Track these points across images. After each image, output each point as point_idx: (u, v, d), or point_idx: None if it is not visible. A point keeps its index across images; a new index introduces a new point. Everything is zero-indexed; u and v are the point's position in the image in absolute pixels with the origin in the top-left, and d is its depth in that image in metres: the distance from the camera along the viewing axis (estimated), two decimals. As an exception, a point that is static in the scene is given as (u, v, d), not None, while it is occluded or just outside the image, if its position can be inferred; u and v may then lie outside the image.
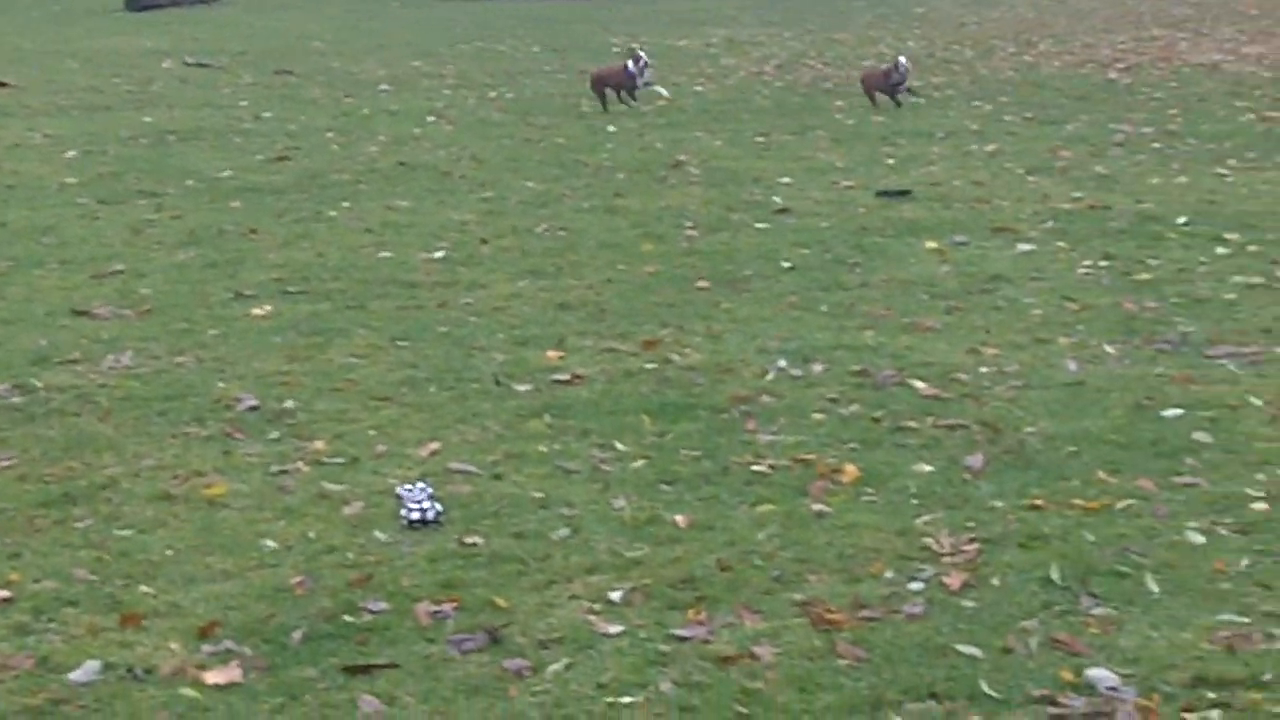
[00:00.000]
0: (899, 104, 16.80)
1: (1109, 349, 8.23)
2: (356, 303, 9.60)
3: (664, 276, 10.03)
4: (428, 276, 10.20)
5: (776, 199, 12.25)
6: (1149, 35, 24.08)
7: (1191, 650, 5.07)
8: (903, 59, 17.10)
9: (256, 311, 9.41)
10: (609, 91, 17.51)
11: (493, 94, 19.21)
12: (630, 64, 17.46)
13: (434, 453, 7.01)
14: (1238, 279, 9.52)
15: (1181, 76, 19.08)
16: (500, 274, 10.23)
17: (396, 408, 7.66)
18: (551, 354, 8.40)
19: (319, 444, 7.17)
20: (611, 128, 16.30)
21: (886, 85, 16.84)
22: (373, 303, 9.59)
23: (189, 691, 4.99)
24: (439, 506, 6.26)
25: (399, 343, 8.71)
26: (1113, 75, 19.35)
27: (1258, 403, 7.35)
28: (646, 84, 17.44)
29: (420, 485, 6.43)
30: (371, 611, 5.50)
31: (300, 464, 6.93)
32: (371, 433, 7.32)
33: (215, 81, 20.94)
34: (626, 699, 4.86)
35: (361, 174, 14.01)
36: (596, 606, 5.49)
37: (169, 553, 6.03)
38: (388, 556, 5.95)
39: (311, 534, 6.16)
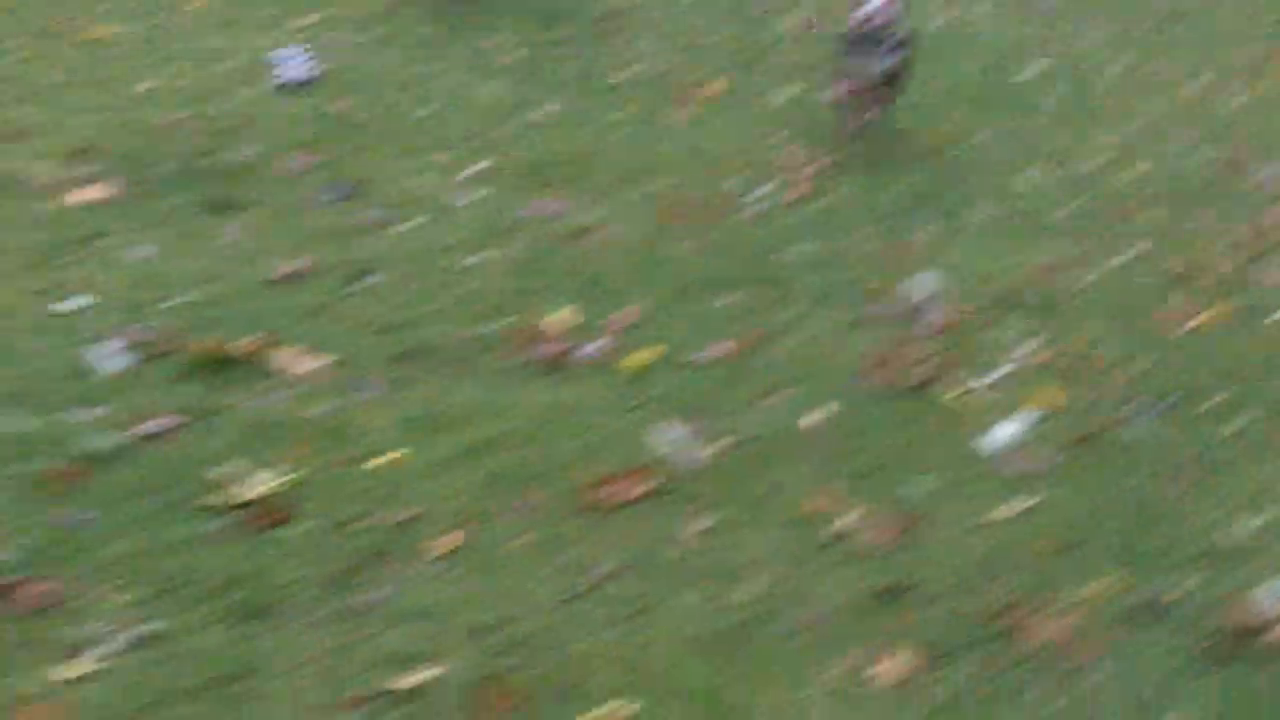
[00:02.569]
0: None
1: None
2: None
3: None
4: None
5: None
6: None
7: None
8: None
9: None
10: None
11: None
12: None
13: (316, 23, 7.13)
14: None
15: None
16: None
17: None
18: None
19: (197, 3, 7.30)
20: None
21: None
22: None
23: (60, 204, 5.19)
24: (315, 71, 6.41)
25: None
26: None
27: None
28: None
29: (299, 48, 6.58)
30: (240, 160, 5.69)
31: (184, 20, 7.06)
32: (257, -2, 7.44)
33: None
34: (473, 258, 5.11)
35: None
36: (457, 178, 5.72)
37: (45, 83, 6.18)
38: (261, 111, 6.13)
39: (186, 82, 6.32)
